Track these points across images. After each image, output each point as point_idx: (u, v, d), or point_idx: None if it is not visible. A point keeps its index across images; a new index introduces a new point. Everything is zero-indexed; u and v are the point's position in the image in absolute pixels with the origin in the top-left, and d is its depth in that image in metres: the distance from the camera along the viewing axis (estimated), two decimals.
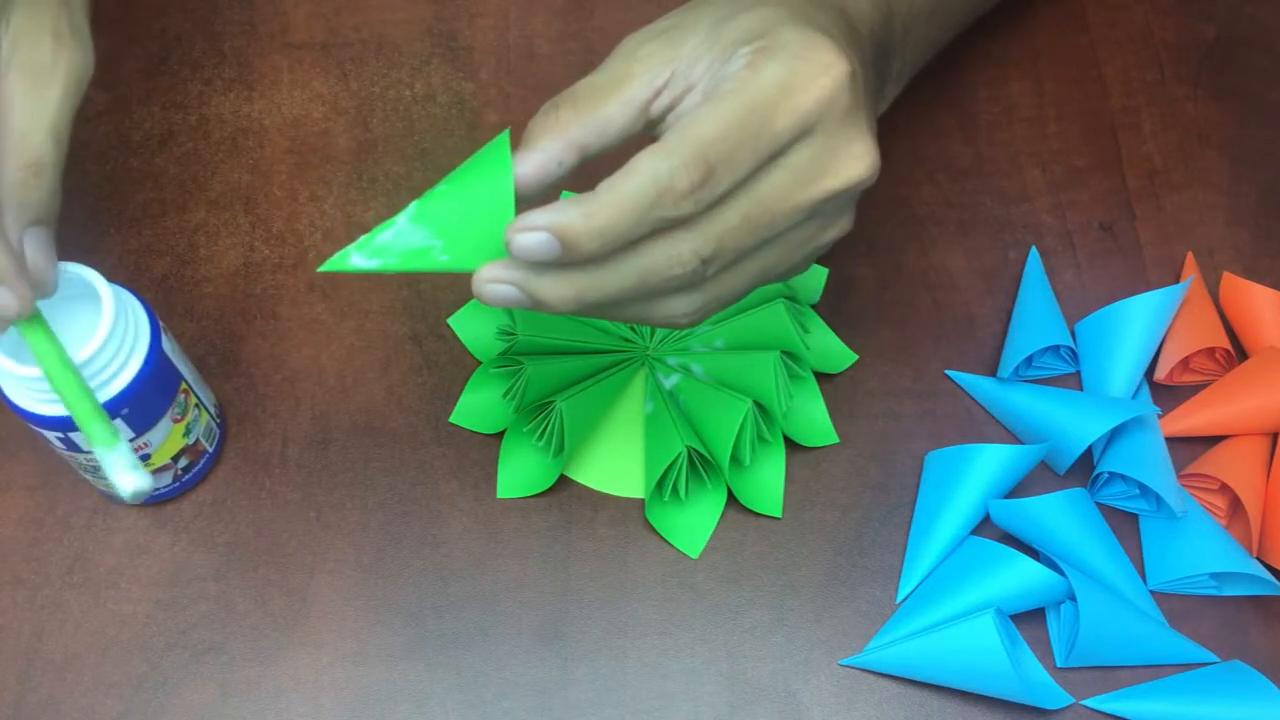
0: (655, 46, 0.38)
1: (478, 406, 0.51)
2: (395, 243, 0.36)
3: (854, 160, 0.37)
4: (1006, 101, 0.59)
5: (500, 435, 0.51)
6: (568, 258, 0.35)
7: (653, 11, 0.61)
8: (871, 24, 0.42)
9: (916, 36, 0.47)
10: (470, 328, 0.53)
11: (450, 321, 0.53)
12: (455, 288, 0.54)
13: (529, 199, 0.37)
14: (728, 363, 0.50)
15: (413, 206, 0.37)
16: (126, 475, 0.39)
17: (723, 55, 0.37)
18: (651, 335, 0.52)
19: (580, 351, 0.50)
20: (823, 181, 0.36)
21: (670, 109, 0.38)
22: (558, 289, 0.36)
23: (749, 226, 0.36)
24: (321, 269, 0.37)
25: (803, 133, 0.36)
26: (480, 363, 0.52)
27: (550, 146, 0.37)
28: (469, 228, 0.36)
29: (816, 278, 0.54)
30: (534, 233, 0.34)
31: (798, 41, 0.36)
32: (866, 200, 0.56)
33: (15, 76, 0.39)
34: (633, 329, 0.52)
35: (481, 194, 0.36)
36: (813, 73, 0.35)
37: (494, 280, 0.36)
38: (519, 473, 0.50)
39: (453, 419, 0.51)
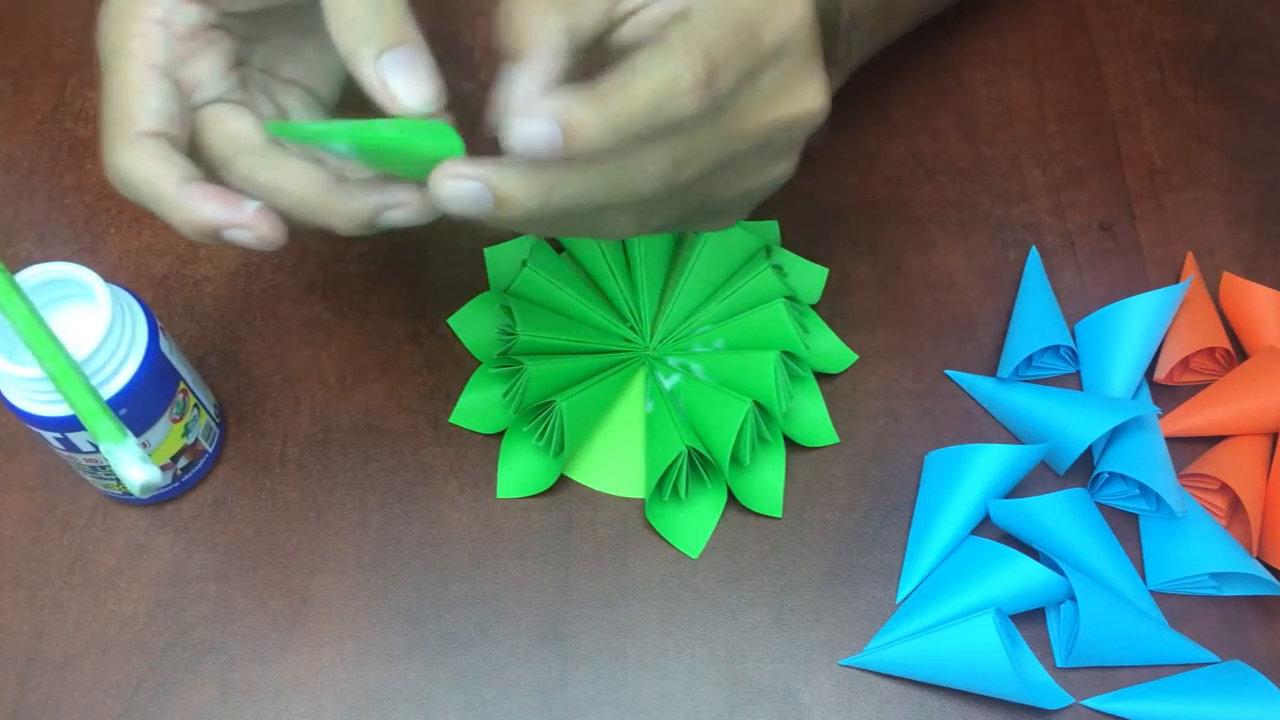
0: None
1: (478, 406, 0.51)
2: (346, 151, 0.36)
3: (813, 94, 0.38)
4: (1006, 101, 0.59)
5: (500, 435, 0.51)
6: (568, 152, 0.33)
7: None
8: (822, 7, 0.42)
9: (866, 30, 0.47)
10: (470, 328, 0.53)
11: (450, 321, 0.53)
12: (455, 287, 0.54)
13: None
14: (728, 363, 0.50)
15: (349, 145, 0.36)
16: (136, 469, 0.39)
17: None
18: (651, 335, 0.52)
19: (580, 351, 0.50)
20: (785, 106, 0.37)
21: (631, 13, 0.37)
22: (524, 186, 0.34)
23: (719, 140, 0.36)
24: (270, 129, 0.37)
25: (775, 55, 0.36)
26: (480, 363, 0.52)
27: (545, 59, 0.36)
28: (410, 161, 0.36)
29: (816, 278, 0.54)
30: (539, 121, 0.33)
31: None
32: (866, 200, 0.56)
33: None
34: (632, 328, 0.52)
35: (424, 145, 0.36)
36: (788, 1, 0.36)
37: (456, 176, 0.34)
38: (519, 473, 0.50)
39: (453, 419, 0.51)
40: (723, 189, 0.39)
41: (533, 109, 0.33)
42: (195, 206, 0.37)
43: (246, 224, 0.37)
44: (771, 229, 0.55)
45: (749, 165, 0.39)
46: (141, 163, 0.37)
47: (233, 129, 0.39)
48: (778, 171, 0.40)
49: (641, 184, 0.36)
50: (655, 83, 0.34)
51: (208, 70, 0.40)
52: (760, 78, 0.36)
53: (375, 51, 0.35)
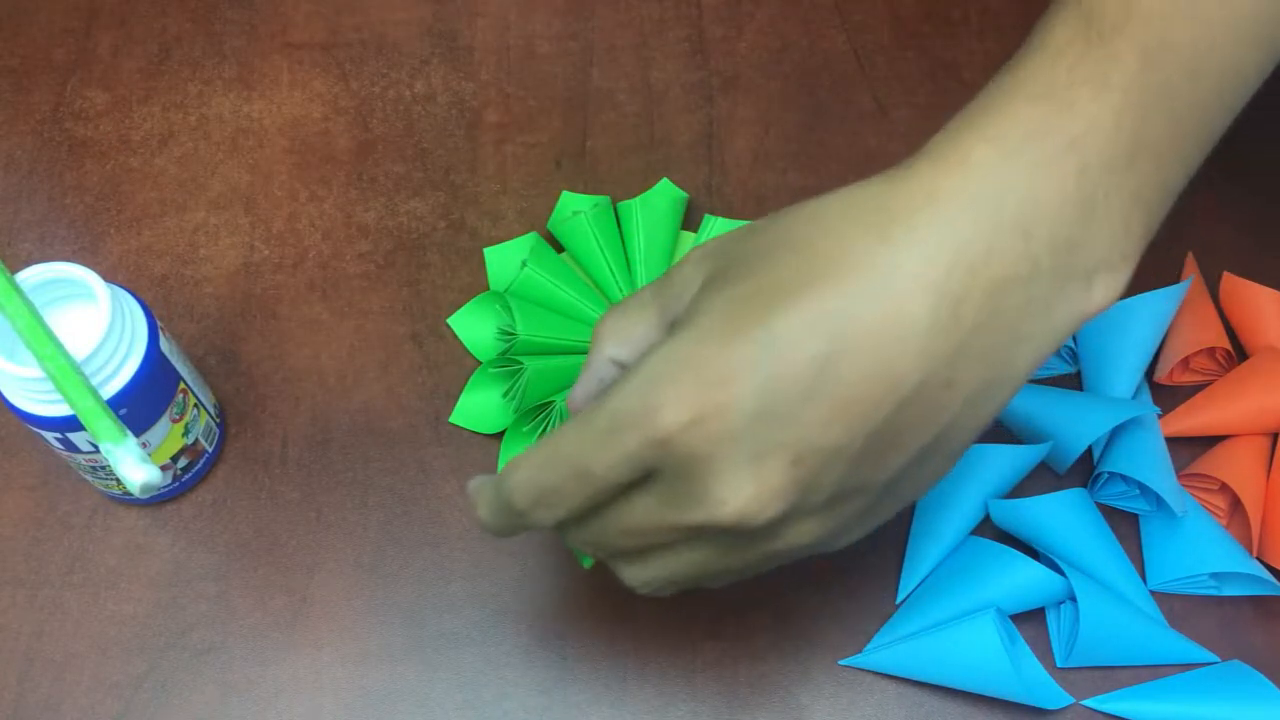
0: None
1: (478, 406, 0.51)
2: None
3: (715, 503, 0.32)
4: None
5: (500, 435, 0.51)
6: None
7: (652, 12, 0.61)
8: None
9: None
10: (470, 328, 0.53)
11: (450, 321, 0.53)
12: (455, 288, 0.54)
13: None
14: None
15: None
16: (136, 469, 0.39)
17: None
18: None
19: (580, 351, 0.50)
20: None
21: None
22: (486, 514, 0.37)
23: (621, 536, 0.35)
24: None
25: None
26: (480, 363, 0.52)
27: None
28: None
29: None
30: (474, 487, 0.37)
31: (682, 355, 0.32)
32: None
33: None
34: None
35: None
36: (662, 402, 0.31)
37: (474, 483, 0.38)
38: None
39: (453, 419, 0.51)
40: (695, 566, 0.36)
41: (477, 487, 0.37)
42: None
43: None
44: None
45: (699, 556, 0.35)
46: None
47: None
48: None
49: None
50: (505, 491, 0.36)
51: None
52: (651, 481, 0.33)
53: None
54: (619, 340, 0.37)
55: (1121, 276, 0.32)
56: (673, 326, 0.34)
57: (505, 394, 0.50)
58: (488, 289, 0.54)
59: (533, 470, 0.34)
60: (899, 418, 0.31)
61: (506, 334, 0.50)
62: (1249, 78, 0.34)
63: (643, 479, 0.32)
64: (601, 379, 0.38)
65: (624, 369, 0.37)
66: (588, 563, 0.47)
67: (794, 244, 0.32)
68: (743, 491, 0.31)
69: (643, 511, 0.33)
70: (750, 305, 0.31)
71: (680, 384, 0.31)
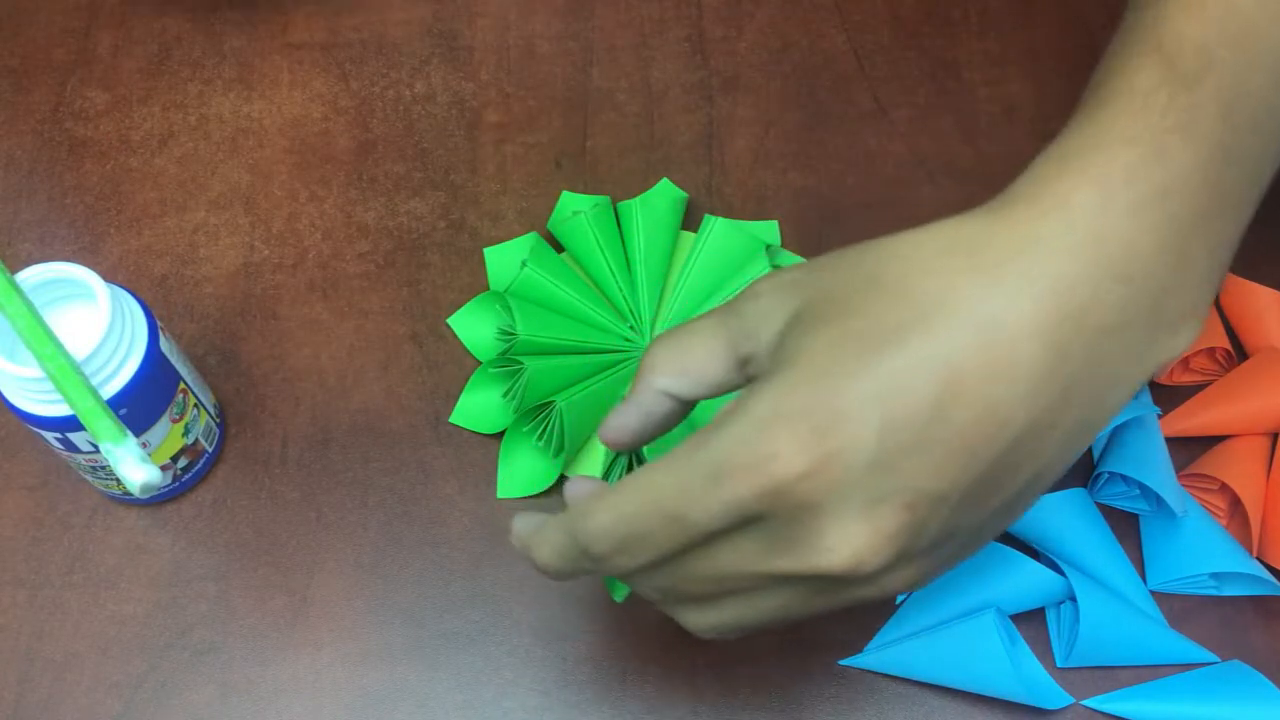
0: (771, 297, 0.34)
1: (478, 406, 0.51)
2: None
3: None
4: (1006, 101, 0.59)
5: (500, 435, 0.51)
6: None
7: (652, 12, 0.61)
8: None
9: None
10: (470, 328, 0.53)
11: (450, 321, 0.53)
12: (455, 288, 0.54)
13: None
14: None
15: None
16: (136, 469, 0.39)
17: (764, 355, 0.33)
18: (651, 334, 0.52)
19: (580, 351, 0.50)
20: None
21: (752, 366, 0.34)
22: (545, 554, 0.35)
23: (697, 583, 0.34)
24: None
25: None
26: (480, 363, 0.52)
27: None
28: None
29: None
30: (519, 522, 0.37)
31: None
32: (866, 200, 0.56)
33: None
34: (632, 328, 0.52)
35: None
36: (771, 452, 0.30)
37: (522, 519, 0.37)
38: (519, 473, 0.50)
39: (453, 419, 0.51)
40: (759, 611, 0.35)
41: (522, 522, 0.37)
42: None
43: None
44: (771, 229, 0.55)
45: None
46: None
47: None
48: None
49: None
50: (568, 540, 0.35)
51: None
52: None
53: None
54: (675, 372, 0.35)
55: (1200, 323, 0.33)
56: (770, 365, 0.32)
57: (505, 394, 0.50)
58: (488, 289, 0.54)
59: (618, 516, 0.32)
60: (1005, 460, 0.31)
61: (506, 334, 0.50)
62: None
63: (738, 525, 0.31)
64: (649, 412, 0.36)
65: (679, 403, 0.36)
66: (620, 596, 0.45)
67: (891, 284, 0.31)
68: (856, 539, 0.30)
69: (735, 558, 0.32)
70: (857, 347, 0.30)
71: (794, 430, 0.29)
